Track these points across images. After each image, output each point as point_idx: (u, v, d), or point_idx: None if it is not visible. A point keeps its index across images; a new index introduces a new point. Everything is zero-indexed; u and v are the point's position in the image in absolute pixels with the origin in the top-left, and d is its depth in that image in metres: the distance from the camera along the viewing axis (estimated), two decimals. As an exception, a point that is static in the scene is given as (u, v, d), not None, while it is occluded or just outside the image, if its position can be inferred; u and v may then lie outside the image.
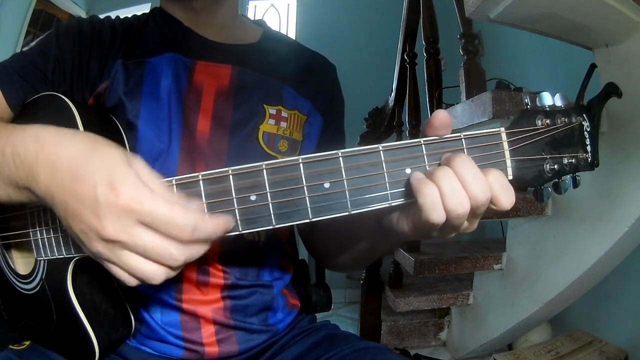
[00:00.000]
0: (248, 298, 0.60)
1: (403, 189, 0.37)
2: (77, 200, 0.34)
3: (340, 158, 0.37)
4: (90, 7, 2.74)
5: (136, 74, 0.58)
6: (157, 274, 0.35)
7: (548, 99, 0.39)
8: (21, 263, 0.56)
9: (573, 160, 0.39)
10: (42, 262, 0.50)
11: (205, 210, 0.37)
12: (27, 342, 0.56)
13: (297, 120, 0.64)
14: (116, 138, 0.53)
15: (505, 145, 0.38)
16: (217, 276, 0.58)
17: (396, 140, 0.38)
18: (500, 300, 1.49)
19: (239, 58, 0.63)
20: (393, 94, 2.04)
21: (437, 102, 1.60)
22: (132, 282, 0.35)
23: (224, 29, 0.65)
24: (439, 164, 0.37)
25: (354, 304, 2.50)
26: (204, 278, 0.57)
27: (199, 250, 0.35)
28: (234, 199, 0.37)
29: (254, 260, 0.62)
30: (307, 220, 0.37)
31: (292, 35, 3.08)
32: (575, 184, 0.39)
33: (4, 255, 0.57)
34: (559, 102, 0.39)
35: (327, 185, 0.37)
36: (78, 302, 0.48)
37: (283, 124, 0.62)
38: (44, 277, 0.50)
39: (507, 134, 0.38)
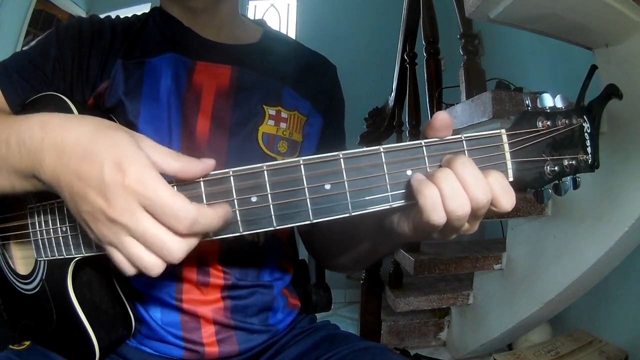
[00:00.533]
0: (248, 298, 0.60)
1: (404, 190, 0.37)
2: (83, 180, 0.34)
3: (341, 159, 0.37)
4: (90, 7, 2.74)
5: (136, 74, 0.58)
6: (155, 265, 0.34)
7: (549, 101, 0.39)
8: (21, 263, 0.56)
9: (573, 162, 0.39)
10: (43, 262, 0.50)
11: None
12: (27, 342, 0.56)
13: (297, 121, 0.64)
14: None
15: (506, 147, 0.38)
16: (217, 276, 0.58)
17: (396, 140, 0.38)
18: (500, 300, 1.49)
19: (239, 58, 0.63)
20: (393, 94, 2.04)
21: (437, 102, 1.60)
22: (130, 270, 0.35)
23: (223, 29, 0.65)
24: (440, 166, 0.37)
25: (354, 304, 2.50)
26: (204, 278, 0.57)
27: (195, 242, 0.35)
28: (235, 200, 0.37)
29: (254, 261, 0.62)
30: (308, 222, 0.37)
31: (292, 35, 3.08)
32: (576, 185, 0.39)
33: (4, 255, 0.57)
34: (559, 103, 0.39)
35: (328, 186, 0.37)
36: (78, 302, 0.48)
37: (283, 125, 0.62)
38: (44, 277, 0.50)
39: (507, 135, 0.38)
